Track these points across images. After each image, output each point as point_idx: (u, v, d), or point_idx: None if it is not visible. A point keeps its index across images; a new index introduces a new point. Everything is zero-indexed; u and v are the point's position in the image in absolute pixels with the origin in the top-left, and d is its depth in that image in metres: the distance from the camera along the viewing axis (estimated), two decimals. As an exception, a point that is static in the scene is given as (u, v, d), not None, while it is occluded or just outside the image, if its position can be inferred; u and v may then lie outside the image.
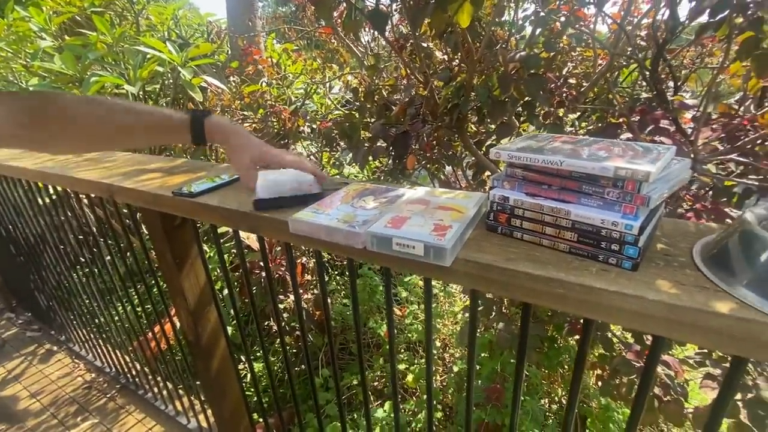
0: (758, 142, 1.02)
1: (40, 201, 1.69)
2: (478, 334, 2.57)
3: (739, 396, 0.99)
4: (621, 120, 1.07)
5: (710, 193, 1.18)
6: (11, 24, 2.99)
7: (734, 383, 0.49)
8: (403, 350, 2.92)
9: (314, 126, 2.69)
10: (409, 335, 2.93)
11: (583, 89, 1.78)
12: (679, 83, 1.66)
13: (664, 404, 0.96)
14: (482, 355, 2.19)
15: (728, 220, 1.27)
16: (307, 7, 2.29)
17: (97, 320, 1.94)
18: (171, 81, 2.90)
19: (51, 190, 1.49)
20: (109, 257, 1.62)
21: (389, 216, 0.60)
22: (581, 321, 0.60)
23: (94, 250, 1.64)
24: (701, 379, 1.06)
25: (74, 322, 2.11)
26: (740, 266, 0.43)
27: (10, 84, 3.31)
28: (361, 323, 0.75)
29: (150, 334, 1.82)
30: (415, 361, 2.68)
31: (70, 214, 1.56)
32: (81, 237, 1.66)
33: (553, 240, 0.53)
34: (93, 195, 1.18)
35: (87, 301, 1.87)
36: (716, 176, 1.07)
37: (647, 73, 1.17)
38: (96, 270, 1.70)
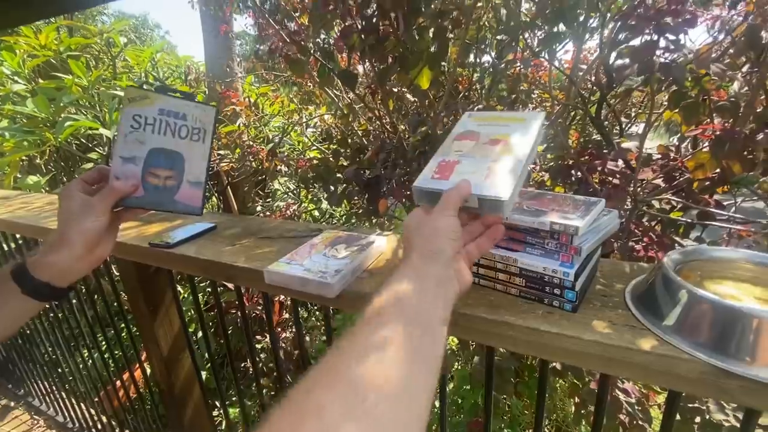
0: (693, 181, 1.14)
1: (5, 246, 1.64)
2: (458, 367, 2.58)
3: (698, 419, 1.05)
4: (572, 162, 1.17)
5: (657, 226, 1.29)
6: (-19, 67, 2.97)
7: (672, 411, 0.55)
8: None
9: (291, 163, 2.75)
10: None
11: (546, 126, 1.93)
12: (626, 124, 1.83)
13: (629, 430, 1.01)
14: (464, 387, 2.19)
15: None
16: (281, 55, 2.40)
17: (60, 369, 1.85)
18: (147, 122, 2.92)
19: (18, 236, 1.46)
20: (76, 301, 1.57)
21: (437, 161, 0.54)
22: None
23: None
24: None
25: (35, 373, 2.00)
26: (661, 307, 0.49)
27: (-22, 126, 3.25)
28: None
29: (118, 382, 1.74)
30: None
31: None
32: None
33: (505, 285, 0.58)
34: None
35: (50, 349, 1.78)
36: (658, 212, 1.18)
37: (592, 118, 1.29)
38: (61, 315, 1.64)
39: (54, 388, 1.93)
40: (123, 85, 2.65)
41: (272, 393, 2.56)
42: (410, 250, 0.46)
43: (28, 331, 1.82)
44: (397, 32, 0.82)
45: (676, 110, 1.11)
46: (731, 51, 1.28)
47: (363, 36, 0.87)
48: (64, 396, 1.89)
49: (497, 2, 1.28)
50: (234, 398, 2.50)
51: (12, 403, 2.16)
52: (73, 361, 1.73)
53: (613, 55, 1.14)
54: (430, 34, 0.83)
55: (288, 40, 1.02)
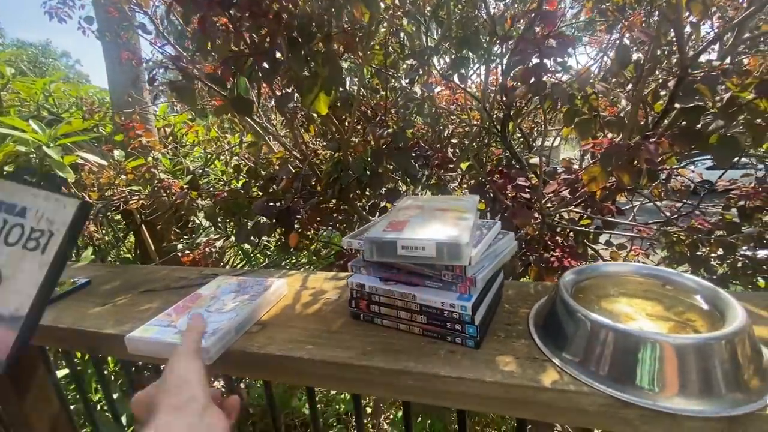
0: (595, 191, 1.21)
1: None
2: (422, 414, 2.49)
3: None
4: (485, 181, 1.19)
5: (570, 236, 1.35)
6: None
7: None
8: (334, 424, 2.71)
9: (212, 197, 2.56)
10: (338, 407, 2.74)
11: (464, 147, 1.99)
12: (536, 140, 1.95)
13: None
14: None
15: (592, 254, 1.46)
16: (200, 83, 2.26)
17: None
18: (36, 161, 2.57)
19: None
20: None
21: (386, 221, 0.54)
22: None
23: None
24: None
25: None
26: (560, 334, 0.47)
27: None
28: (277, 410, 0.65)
29: None
30: (348, 433, 2.49)
31: None
32: None
33: (408, 324, 0.53)
34: None
35: None
36: (567, 222, 1.23)
37: (500, 137, 1.34)
38: None
39: None
40: (8, 121, 2.30)
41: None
42: (156, 409, 0.37)
43: None
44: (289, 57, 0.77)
45: (572, 126, 1.18)
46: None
47: (256, 61, 0.80)
48: None
49: (399, 27, 1.30)
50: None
51: None
52: None
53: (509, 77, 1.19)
54: (318, 59, 0.79)
55: (174, 66, 0.92)
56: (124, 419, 1.30)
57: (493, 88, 2.20)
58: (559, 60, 1.03)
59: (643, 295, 0.51)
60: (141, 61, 2.83)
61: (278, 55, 0.84)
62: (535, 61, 0.92)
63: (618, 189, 1.32)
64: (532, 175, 1.29)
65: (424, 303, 0.51)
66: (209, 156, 2.98)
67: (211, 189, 2.51)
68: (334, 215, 1.46)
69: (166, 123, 3.24)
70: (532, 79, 0.85)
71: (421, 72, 1.35)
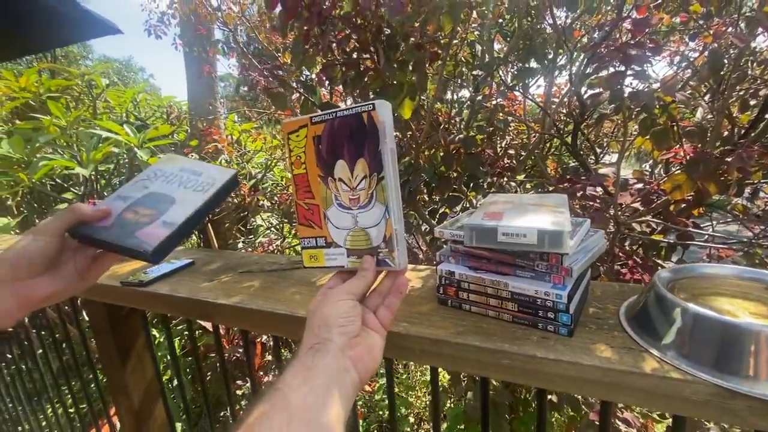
0: (670, 203, 1.17)
1: None
2: (451, 405, 2.46)
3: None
4: (552, 189, 1.19)
5: (640, 249, 1.31)
6: (-44, 109, 2.92)
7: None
8: (375, 431, 2.72)
9: (275, 199, 2.72)
10: (380, 413, 2.76)
11: (521, 158, 1.99)
12: (600, 152, 1.90)
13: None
14: (458, 427, 2.08)
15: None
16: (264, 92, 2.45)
17: (17, 429, 1.67)
18: (126, 161, 2.89)
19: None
20: (41, 350, 1.46)
21: (481, 212, 0.55)
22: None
23: (25, 343, 1.48)
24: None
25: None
26: (657, 326, 0.48)
27: (-53, 168, 3.15)
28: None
29: None
30: (389, 442, 2.49)
31: None
32: (11, 329, 1.50)
33: (497, 311, 0.56)
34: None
35: (10, 405, 1.63)
36: (639, 235, 1.20)
37: (569, 146, 1.33)
38: (24, 367, 1.51)
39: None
40: (102, 125, 2.62)
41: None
42: (300, 345, 0.42)
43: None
44: (378, 66, 0.84)
45: (647, 137, 1.16)
46: (692, 82, 1.36)
47: (344, 70, 0.89)
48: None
49: (472, 39, 1.35)
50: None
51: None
52: (34, 418, 1.58)
53: (584, 86, 1.19)
54: (410, 68, 0.86)
55: (270, 75, 1.03)
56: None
57: (555, 99, 2.18)
58: (637, 68, 1.02)
59: (743, 296, 0.51)
60: (216, 74, 3.11)
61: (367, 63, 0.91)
62: (614, 69, 0.92)
63: (696, 202, 1.26)
64: (601, 186, 1.27)
65: (516, 291, 0.53)
66: (270, 163, 3.18)
67: (269, 193, 2.68)
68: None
69: (233, 131, 3.50)
70: (616, 86, 0.86)
71: (488, 81, 1.39)
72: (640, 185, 1.23)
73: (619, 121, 2.43)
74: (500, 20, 1.46)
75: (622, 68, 0.93)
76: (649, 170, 1.70)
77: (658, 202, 1.18)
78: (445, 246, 0.65)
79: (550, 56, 1.61)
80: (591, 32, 2.08)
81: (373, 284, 0.49)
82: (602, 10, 1.94)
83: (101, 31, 0.92)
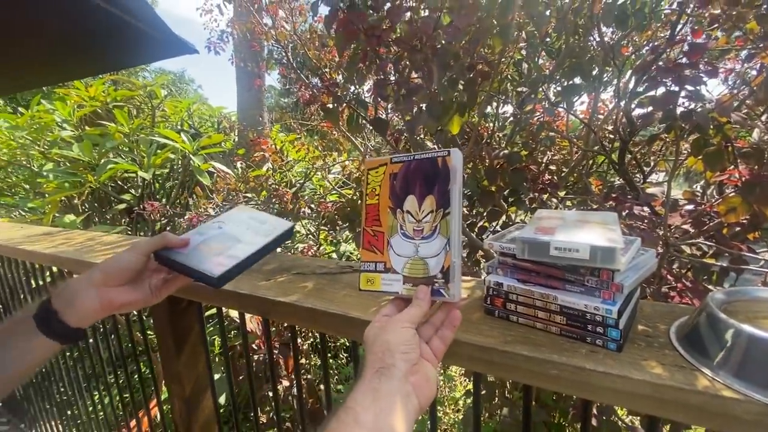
0: (723, 226, 1.13)
1: (32, 283, 1.71)
2: (482, 421, 2.41)
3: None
4: (596, 207, 1.18)
5: (690, 271, 1.26)
6: (34, 115, 3.25)
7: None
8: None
9: (313, 206, 2.83)
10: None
11: (563, 174, 1.96)
12: (647, 171, 1.85)
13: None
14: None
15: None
16: (311, 105, 2.58)
17: (71, 411, 1.82)
18: (180, 166, 3.11)
19: (47, 273, 1.52)
20: (92, 340, 1.59)
21: (532, 227, 0.57)
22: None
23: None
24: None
25: (47, 413, 1.98)
26: (708, 346, 0.48)
27: (24, 168, 3.50)
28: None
29: (125, 429, 1.71)
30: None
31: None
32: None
33: (545, 323, 0.58)
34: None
35: (63, 389, 1.78)
36: (689, 258, 1.16)
37: (615, 164, 1.32)
38: (77, 353, 1.65)
39: (65, 429, 1.89)
40: (162, 133, 2.85)
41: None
42: (365, 366, 0.45)
43: (44, 370, 1.83)
44: (429, 84, 0.89)
45: (699, 157, 1.13)
46: (748, 101, 1.31)
47: (396, 87, 0.94)
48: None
49: (519, 58, 1.37)
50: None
51: (22, 444, 2.12)
52: (84, 402, 1.72)
53: (633, 104, 1.18)
54: (460, 86, 0.90)
55: (324, 91, 1.10)
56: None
57: (600, 116, 2.15)
58: (690, 88, 1.01)
59: (804, 324, 0.50)
60: (265, 87, 3.29)
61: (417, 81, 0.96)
62: (666, 88, 0.92)
63: (752, 226, 1.21)
64: (649, 206, 1.25)
65: (566, 304, 0.55)
66: (309, 172, 3.30)
67: (307, 201, 2.78)
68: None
69: (277, 141, 3.67)
70: (669, 106, 0.86)
71: (532, 98, 1.40)
72: (691, 206, 1.19)
73: (669, 140, 2.35)
74: (546, 39, 1.48)
75: (675, 87, 0.92)
76: (700, 191, 1.64)
77: (711, 224, 1.14)
78: (490, 258, 0.68)
79: (596, 73, 1.60)
80: (639, 49, 2.04)
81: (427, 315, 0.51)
82: (652, 26, 1.91)
83: (180, 50, 1.03)
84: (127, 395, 1.58)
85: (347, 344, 3.22)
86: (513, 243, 0.61)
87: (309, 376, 2.60)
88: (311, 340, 2.72)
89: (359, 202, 1.44)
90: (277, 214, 2.81)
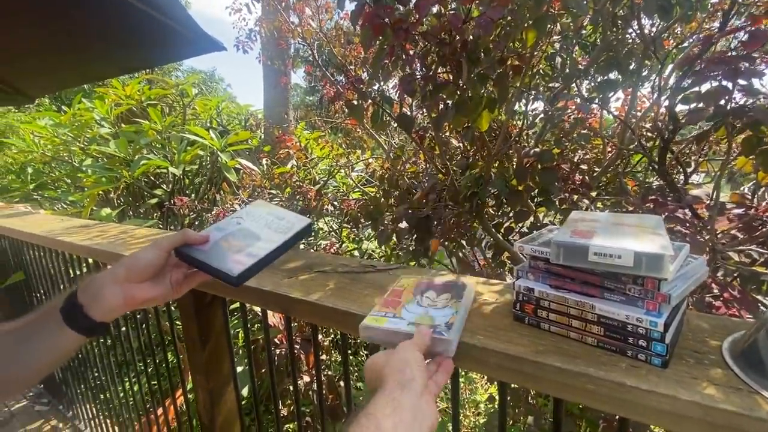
0: (777, 232, 1.04)
1: (71, 272, 1.78)
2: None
3: None
4: (632, 209, 1.11)
5: (737, 280, 1.17)
6: (76, 113, 3.41)
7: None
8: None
9: (336, 204, 2.84)
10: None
11: (594, 174, 1.87)
12: (689, 171, 1.73)
13: None
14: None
15: (762, 308, 1.24)
16: (336, 103, 2.58)
17: (103, 395, 1.90)
18: (208, 163, 3.19)
19: (84, 263, 1.59)
20: (124, 328, 1.64)
21: (568, 230, 0.55)
22: (617, 417, 0.58)
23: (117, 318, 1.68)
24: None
25: (83, 396, 2.07)
26: (771, 367, 0.43)
27: (66, 163, 3.68)
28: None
29: (153, 415, 1.76)
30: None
31: None
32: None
33: (580, 333, 0.54)
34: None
35: (97, 374, 1.85)
36: (737, 265, 1.07)
37: (656, 164, 1.24)
38: (110, 341, 1.72)
39: (99, 413, 1.98)
40: (192, 130, 2.92)
41: (304, 439, 2.45)
42: (384, 380, 0.46)
43: (80, 356, 1.92)
44: (457, 79, 0.86)
45: (752, 156, 1.04)
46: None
47: (423, 83, 0.91)
48: (108, 422, 1.93)
49: (552, 52, 1.31)
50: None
51: (60, 425, 2.23)
52: (115, 387, 1.79)
53: (677, 100, 1.10)
54: (490, 81, 0.86)
55: (350, 87, 1.09)
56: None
57: (637, 113, 2.04)
58: (742, 83, 0.93)
59: None
60: (291, 85, 3.32)
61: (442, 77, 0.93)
62: (715, 83, 0.85)
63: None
64: (691, 209, 1.16)
65: (604, 314, 0.51)
66: (332, 170, 3.31)
67: (330, 198, 2.79)
68: (454, 233, 1.51)
69: (303, 139, 3.70)
70: (720, 101, 0.79)
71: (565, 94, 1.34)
72: (740, 210, 1.11)
73: (713, 139, 2.20)
74: (581, 31, 1.41)
75: (726, 82, 0.85)
76: (749, 194, 1.52)
77: (763, 230, 1.05)
78: (517, 262, 0.65)
79: (634, 67, 1.51)
80: (681, 42, 1.92)
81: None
82: (697, 17, 1.79)
83: (209, 48, 1.04)
84: (155, 383, 1.63)
85: (367, 342, 3.22)
86: (546, 246, 0.58)
87: (329, 372, 2.62)
88: (332, 336, 2.73)
89: (382, 201, 1.43)
90: (300, 211, 2.84)
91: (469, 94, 0.87)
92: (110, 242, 1.30)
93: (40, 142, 3.45)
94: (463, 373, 3.02)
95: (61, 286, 1.85)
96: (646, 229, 0.54)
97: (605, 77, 1.52)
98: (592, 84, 1.51)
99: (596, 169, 2.03)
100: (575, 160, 2.14)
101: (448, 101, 1.03)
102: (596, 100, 1.56)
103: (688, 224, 1.10)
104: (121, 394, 1.81)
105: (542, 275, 0.60)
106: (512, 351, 0.53)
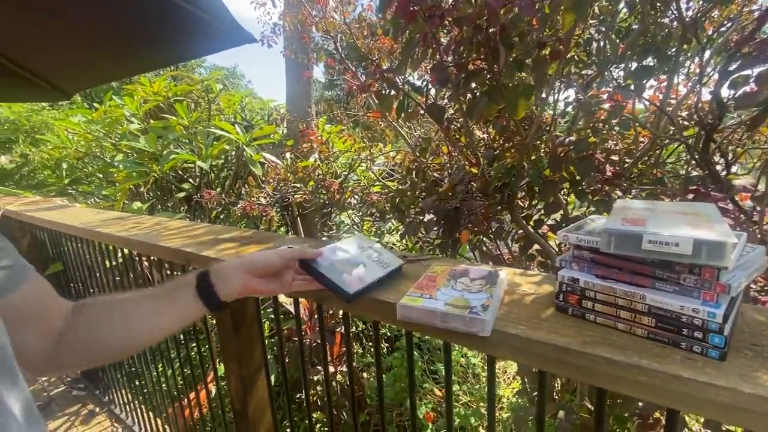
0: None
1: (107, 263, 1.86)
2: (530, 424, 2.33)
3: None
4: (671, 200, 1.07)
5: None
6: (106, 110, 3.53)
7: None
8: (444, 436, 2.65)
9: (357, 197, 2.85)
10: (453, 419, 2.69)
11: (626, 165, 1.81)
12: (730, 160, 1.65)
13: None
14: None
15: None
16: (358, 95, 2.58)
17: (138, 382, 1.99)
18: (234, 157, 3.25)
19: (119, 253, 1.65)
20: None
21: (618, 218, 0.54)
22: (653, 417, 0.56)
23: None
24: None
25: (118, 382, 2.17)
26: (843, 362, 0.41)
27: (98, 159, 3.82)
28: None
29: (185, 400, 1.83)
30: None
31: (132, 276, 1.71)
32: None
33: (629, 324, 0.53)
34: (170, 262, 1.30)
35: (132, 361, 1.93)
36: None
37: (696, 153, 1.19)
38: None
39: (133, 398, 2.06)
40: (218, 125, 2.98)
41: (325, 429, 2.49)
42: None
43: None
44: (492, 66, 0.84)
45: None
46: None
47: (456, 71, 0.90)
48: (143, 408, 2.01)
49: (587, 37, 1.27)
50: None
51: (97, 409, 2.34)
52: (150, 374, 1.86)
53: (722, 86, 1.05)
54: (528, 66, 0.84)
55: (377, 79, 1.08)
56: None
57: (671, 100, 1.95)
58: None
59: None
60: (313, 79, 3.33)
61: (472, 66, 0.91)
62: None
63: None
64: (732, 200, 1.11)
65: (656, 304, 0.50)
66: (353, 163, 3.32)
67: (353, 190, 2.80)
68: (485, 225, 1.49)
69: (324, 133, 3.73)
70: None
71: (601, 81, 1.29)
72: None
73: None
74: (616, 16, 1.35)
75: (781, 64, 0.80)
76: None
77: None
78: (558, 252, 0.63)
79: (672, 53, 1.45)
80: (720, 26, 1.82)
81: None
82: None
83: (242, 40, 1.05)
84: (187, 370, 1.69)
85: (388, 334, 3.23)
86: (591, 235, 0.56)
87: (354, 363, 2.64)
88: (353, 328, 2.76)
89: (408, 193, 1.42)
90: (324, 204, 2.87)
91: (504, 82, 0.85)
92: (146, 233, 1.34)
93: (74, 139, 3.59)
94: (483, 365, 3.00)
95: (97, 275, 1.93)
96: (701, 216, 0.52)
97: (641, 63, 1.46)
98: (626, 71, 1.45)
99: (627, 160, 1.97)
100: (608, 150, 2.07)
101: (478, 90, 1.01)
102: (631, 87, 1.50)
103: (734, 215, 1.05)
104: (155, 381, 1.88)
105: (587, 265, 0.58)
106: (558, 342, 0.52)
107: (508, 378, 3.09)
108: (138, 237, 1.30)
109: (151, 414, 1.98)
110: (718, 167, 1.39)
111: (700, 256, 0.44)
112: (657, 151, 1.98)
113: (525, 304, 0.64)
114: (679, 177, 1.56)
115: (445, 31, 0.93)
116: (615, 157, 2.08)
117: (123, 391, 2.16)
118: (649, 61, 1.48)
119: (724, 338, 0.45)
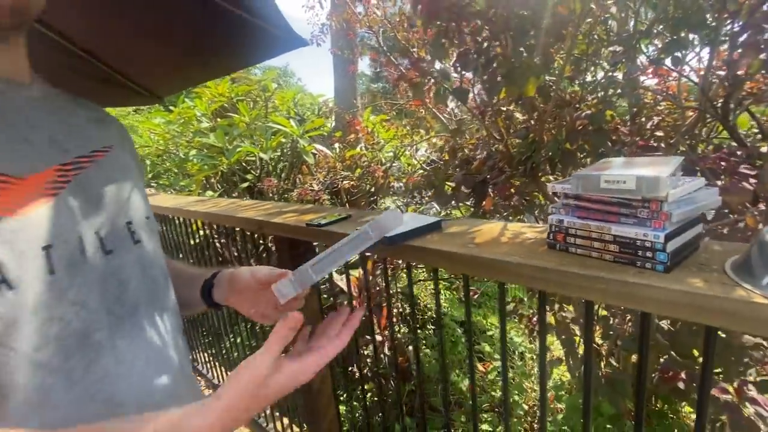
0: None
1: (191, 240, 2.22)
2: (567, 394, 2.40)
3: None
4: (699, 165, 1.12)
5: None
6: (180, 111, 4.01)
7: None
8: (486, 410, 2.78)
9: (402, 183, 3.03)
10: (493, 393, 2.81)
11: (672, 141, 1.81)
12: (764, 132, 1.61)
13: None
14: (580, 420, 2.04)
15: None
16: (400, 85, 2.75)
17: (218, 346, 2.36)
18: (289, 149, 3.58)
19: (201, 232, 1.99)
20: None
21: (593, 166, 0.69)
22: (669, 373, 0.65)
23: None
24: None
25: (199, 347, 2.58)
26: (756, 269, 0.53)
27: (174, 155, 4.35)
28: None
29: None
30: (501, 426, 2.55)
31: (207, 253, 2.05)
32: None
33: (600, 252, 0.67)
34: (248, 231, 1.57)
35: (206, 330, 2.30)
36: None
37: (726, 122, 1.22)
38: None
39: (211, 359, 2.45)
40: (275, 120, 3.32)
41: (374, 398, 2.71)
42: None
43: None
44: (507, 52, 0.97)
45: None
46: None
47: (477, 57, 1.04)
48: (222, 368, 2.38)
49: (607, 15, 1.33)
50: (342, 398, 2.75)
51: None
52: (228, 338, 2.21)
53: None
54: (537, 49, 0.96)
55: (412, 68, 1.25)
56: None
57: (720, 73, 1.90)
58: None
59: None
60: (357, 73, 3.55)
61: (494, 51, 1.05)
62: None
63: None
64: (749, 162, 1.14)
65: (619, 234, 0.63)
66: (398, 151, 3.49)
67: (397, 176, 2.99)
68: (511, 195, 1.60)
69: (369, 123, 3.93)
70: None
71: (624, 59, 1.35)
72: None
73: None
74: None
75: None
76: None
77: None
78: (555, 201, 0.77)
79: (711, 23, 1.45)
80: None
81: None
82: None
83: (297, 44, 1.27)
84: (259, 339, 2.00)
85: (434, 317, 3.41)
86: (569, 184, 0.70)
87: (398, 336, 2.85)
88: (398, 309, 2.96)
89: (441, 170, 1.58)
90: (370, 189, 3.09)
91: (516, 65, 0.97)
92: (225, 208, 1.64)
93: (155, 138, 4.13)
94: (530, 342, 3.07)
95: (180, 256, 2.31)
96: (660, 165, 0.64)
97: (674, 37, 1.48)
98: (657, 46, 1.48)
99: (673, 136, 1.95)
100: (648, 126, 2.06)
101: (501, 72, 1.14)
102: (665, 61, 1.53)
103: (754, 181, 1.10)
104: (224, 350, 2.23)
105: (572, 210, 0.72)
106: (543, 264, 0.67)
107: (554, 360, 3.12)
108: (220, 211, 1.59)
109: (226, 372, 2.35)
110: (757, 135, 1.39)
111: (641, 190, 0.57)
112: (703, 125, 1.94)
113: (524, 245, 0.79)
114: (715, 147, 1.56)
115: (468, 22, 1.07)
116: (660, 133, 2.07)
117: (202, 354, 2.56)
118: (683, 34, 1.49)
119: (667, 255, 0.58)
